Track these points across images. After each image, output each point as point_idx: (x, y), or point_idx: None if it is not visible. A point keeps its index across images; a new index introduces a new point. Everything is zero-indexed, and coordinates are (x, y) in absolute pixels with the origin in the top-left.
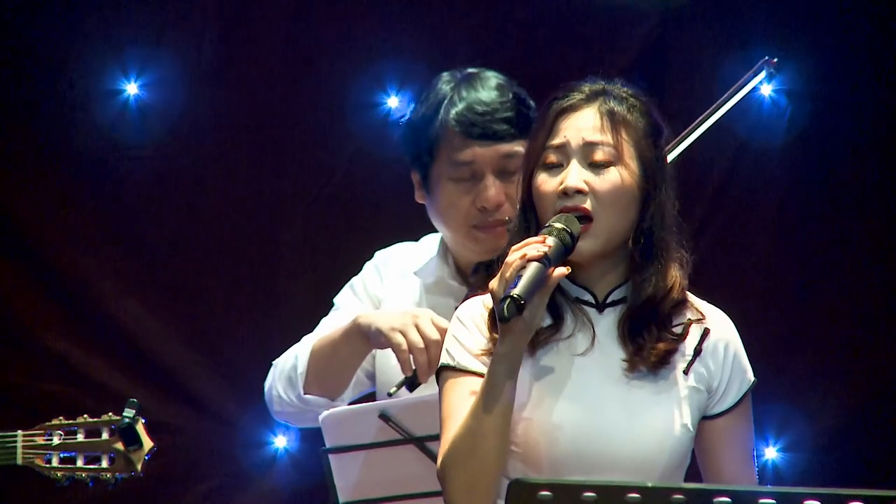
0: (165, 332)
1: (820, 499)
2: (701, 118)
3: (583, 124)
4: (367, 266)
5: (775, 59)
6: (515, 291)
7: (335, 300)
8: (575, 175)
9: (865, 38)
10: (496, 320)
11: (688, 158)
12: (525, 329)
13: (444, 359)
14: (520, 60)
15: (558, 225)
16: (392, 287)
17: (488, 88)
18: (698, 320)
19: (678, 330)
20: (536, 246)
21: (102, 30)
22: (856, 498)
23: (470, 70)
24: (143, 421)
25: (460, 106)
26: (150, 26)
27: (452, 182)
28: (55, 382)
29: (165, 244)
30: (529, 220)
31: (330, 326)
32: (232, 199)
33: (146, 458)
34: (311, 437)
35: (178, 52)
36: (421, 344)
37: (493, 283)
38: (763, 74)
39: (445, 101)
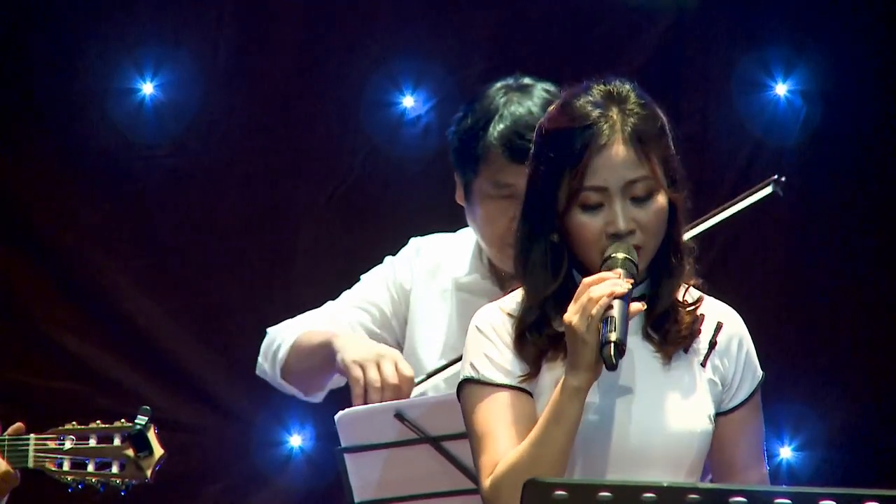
0: (180, 331)
1: (835, 499)
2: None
3: (617, 161)
4: (401, 253)
5: (783, 178)
6: (617, 336)
7: (362, 276)
8: (623, 218)
9: (880, 38)
10: (522, 335)
11: (704, 158)
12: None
13: (468, 372)
14: (535, 60)
15: (620, 255)
16: (421, 280)
17: (536, 107)
18: (696, 302)
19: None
20: (618, 283)
21: (118, 29)
22: (871, 498)
23: (522, 82)
24: (156, 429)
25: (506, 127)
26: (165, 26)
27: (492, 200)
28: (70, 381)
29: (180, 243)
30: (561, 251)
31: (319, 323)
32: (246, 198)
33: (157, 465)
34: (327, 437)
35: (194, 51)
36: (377, 383)
37: (575, 318)
38: (769, 189)
39: (493, 119)
